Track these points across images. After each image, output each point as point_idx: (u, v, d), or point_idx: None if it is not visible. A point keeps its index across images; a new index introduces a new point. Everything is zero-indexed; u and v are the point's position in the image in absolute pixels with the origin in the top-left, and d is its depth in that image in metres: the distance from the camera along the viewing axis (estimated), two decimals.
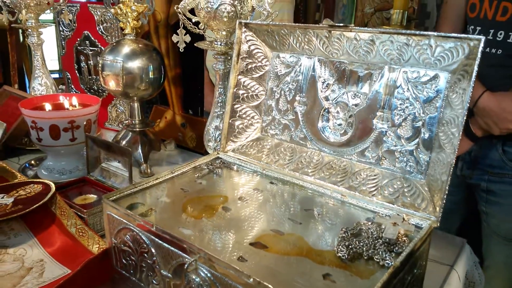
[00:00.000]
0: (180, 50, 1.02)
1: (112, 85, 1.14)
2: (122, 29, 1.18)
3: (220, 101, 0.98)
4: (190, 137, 1.32)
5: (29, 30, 1.30)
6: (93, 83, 1.49)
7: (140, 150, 1.16)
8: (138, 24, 1.14)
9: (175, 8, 0.94)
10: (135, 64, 1.13)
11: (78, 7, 1.41)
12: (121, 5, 1.13)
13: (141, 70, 1.13)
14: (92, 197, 0.93)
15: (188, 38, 1.00)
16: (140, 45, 1.15)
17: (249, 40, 0.83)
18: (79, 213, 0.84)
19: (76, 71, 1.50)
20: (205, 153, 1.30)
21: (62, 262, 0.76)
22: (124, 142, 1.18)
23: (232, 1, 0.88)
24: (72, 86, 1.54)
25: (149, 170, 1.14)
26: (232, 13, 0.88)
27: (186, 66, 1.33)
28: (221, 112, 0.98)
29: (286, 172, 0.76)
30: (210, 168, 0.80)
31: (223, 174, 0.79)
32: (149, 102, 1.43)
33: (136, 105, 1.20)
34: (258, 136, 0.85)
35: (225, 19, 0.88)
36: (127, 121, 1.22)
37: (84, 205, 0.87)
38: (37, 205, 0.81)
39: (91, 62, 1.46)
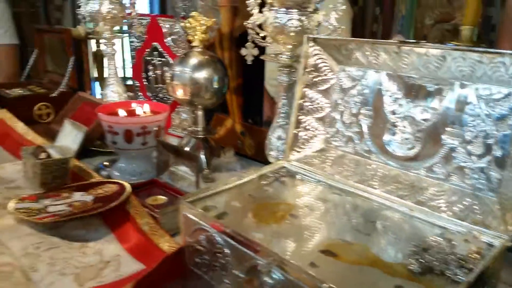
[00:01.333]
0: (248, 62, 1.07)
1: (179, 94, 1.21)
2: (190, 42, 1.25)
3: (283, 112, 1.01)
4: (249, 145, 1.37)
5: (105, 41, 1.41)
6: (159, 91, 1.58)
7: (203, 156, 1.22)
8: (206, 37, 1.21)
9: (244, 23, 0.99)
10: (201, 75, 1.19)
11: (149, 20, 1.51)
12: (190, 19, 1.20)
13: (207, 80, 1.19)
14: (162, 198, 0.99)
15: (256, 52, 1.05)
16: (206, 57, 1.22)
17: (316, 54, 0.86)
18: (151, 213, 0.90)
19: (144, 80, 1.60)
20: (264, 161, 1.34)
21: (137, 258, 0.82)
22: (188, 148, 1.24)
23: (299, 17, 0.91)
24: (139, 94, 1.64)
25: (211, 176, 1.20)
26: (299, 28, 0.91)
27: (247, 77, 1.38)
28: (284, 123, 1.01)
29: (350, 184, 0.78)
30: (275, 176, 0.83)
31: (288, 182, 0.82)
32: (211, 110, 1.49)
33: (200, 113, 1.27)
34: (322, 147, 0.88)
35: (292, 34, 0.92)
36: (191, 128, 1.29)
37: (156, 206, 0.94)
38: (116, 203, 0.88)
39: (159, 71, 1.55)
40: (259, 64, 1.33)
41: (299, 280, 0.52)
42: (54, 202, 0.90)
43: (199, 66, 1.20)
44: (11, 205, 0.88)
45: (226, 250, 0.62)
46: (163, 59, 1.53)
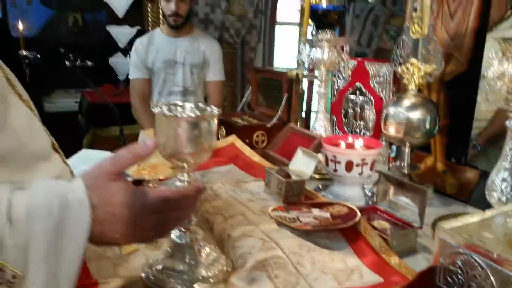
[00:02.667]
0: (482, 108, 1.15)
1: (392, 131, 1.35)
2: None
3: (510, 155, 1.05)
4: (451, 184, 1.41)
5: (319, 82, 1.64)
6: (356, 127, 1.75)
7: None
8: (422, 82, 1.33)
9: (484, 73, 1.08)
10: (415, 115, 1.31)
11: (355, 63, 1.70)
12: (409, 65, 1.34)
13: (420, 121, 1.31)
14: (384, 223, 1.12)
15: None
16: (420, 99, 1.34)
17: None
18: (381, 234, 1.03)
19: (342, 116, 1.79)
20: (465, 200, 1.38)
21: (373, 270, 0.96)
22: None
23: None
24: (336, 128, 1.83)
25: None
26: None
27: (453, 118, 1.44)
28: (509, 166, 1.05)
29: None
30: None
31: None
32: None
33: (407, 150, 1.38)
34: None
35: None
36: (396, 163, 1.40)
37: (383, 229, 1.07)
38: (353, 222, 1.04)
39: (358, 109, 1.72)
40: (466, 106, 1.40)
41: None
42: (301, 214, 1.11)
43: (413, 107, 1.32)
44: (270, 212, 1.12)
45: (488, 274, 0.71)
46: (365, 98, 1.70)
